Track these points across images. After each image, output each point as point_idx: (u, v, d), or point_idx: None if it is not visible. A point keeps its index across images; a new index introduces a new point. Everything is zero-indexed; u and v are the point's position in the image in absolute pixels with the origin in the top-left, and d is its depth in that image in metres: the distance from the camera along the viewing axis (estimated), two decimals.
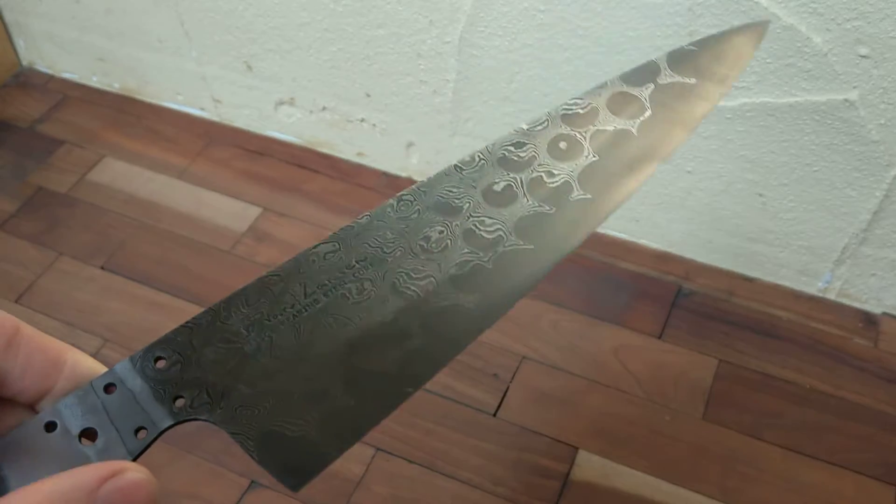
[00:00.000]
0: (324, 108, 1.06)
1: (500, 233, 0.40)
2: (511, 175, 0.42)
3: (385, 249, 0.39)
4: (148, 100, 1.19)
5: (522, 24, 0.84)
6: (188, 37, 1.07)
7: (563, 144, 0.43)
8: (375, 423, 0.37)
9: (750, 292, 0.94)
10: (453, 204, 0.41)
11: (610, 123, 0.44)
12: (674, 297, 0.94)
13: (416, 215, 0.40)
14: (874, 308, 0.92)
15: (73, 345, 0.35)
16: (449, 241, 0.40)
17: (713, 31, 0.77)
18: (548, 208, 0.41)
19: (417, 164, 1.05)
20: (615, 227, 0.99)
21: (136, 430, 0.35)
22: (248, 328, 0.37)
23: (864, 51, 0.73)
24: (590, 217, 0.42)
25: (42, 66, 1.25)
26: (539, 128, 0.43)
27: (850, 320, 0.91)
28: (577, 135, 0.43)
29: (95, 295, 0.95)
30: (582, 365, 0.88)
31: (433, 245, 0.40)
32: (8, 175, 1.10)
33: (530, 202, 0.41)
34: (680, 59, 0.46)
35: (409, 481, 0.79)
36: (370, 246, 0.39)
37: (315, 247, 0.39)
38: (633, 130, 0.44)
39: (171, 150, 1.12)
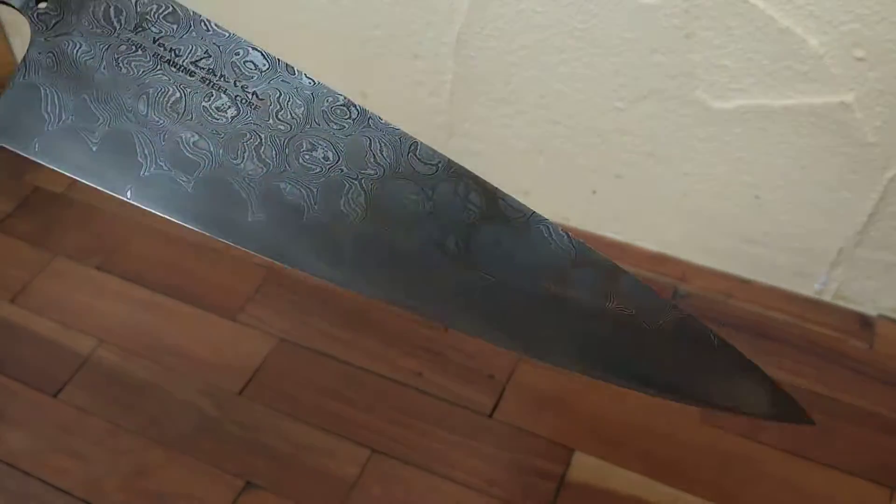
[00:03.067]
0: None
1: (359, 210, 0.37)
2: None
3: (281, 130, 0.37)
4: None
5: (519, 26, 0.84)
6: None
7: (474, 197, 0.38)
8: (109, 189, 0.36)
9: (746, 294, 0.94)
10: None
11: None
12: (670, 299, 0.93)
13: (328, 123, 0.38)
14: (870, 310, 0.92)
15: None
16: (324, 162, 0.37)
17: (709, 32, 0.77)
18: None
19: None
20: (611, 229, 0.99)
21: None
22: (137, 27, 0.36)
23: (860, 53, 0.73)
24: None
25: None
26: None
27: (846, 322, 0.91)
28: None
29: (91, 295, 0.95)
30: None
31: (309, 161, 0.37)
32: (4, 175, 1.10)
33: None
34: (702, 340, 0.40)
35: (404, 483, 0.79)
36: (289, 115, 0.37)
37: (299, 74, 0.38)
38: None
39: None
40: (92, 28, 0.36)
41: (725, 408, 0.39)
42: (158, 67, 0.36)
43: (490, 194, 0.37)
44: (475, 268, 0.36)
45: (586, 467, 0.80)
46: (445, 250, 0.36)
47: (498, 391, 0.86)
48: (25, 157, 1.26)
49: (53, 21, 0.36)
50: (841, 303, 0.93)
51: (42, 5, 0.36)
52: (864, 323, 0.91)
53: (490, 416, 0.84)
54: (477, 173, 0.39)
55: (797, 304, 0.93)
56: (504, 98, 0.91)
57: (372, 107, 1.13)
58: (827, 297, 0.93)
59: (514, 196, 0.38)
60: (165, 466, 0.80)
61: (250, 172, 0.36)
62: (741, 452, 0.81)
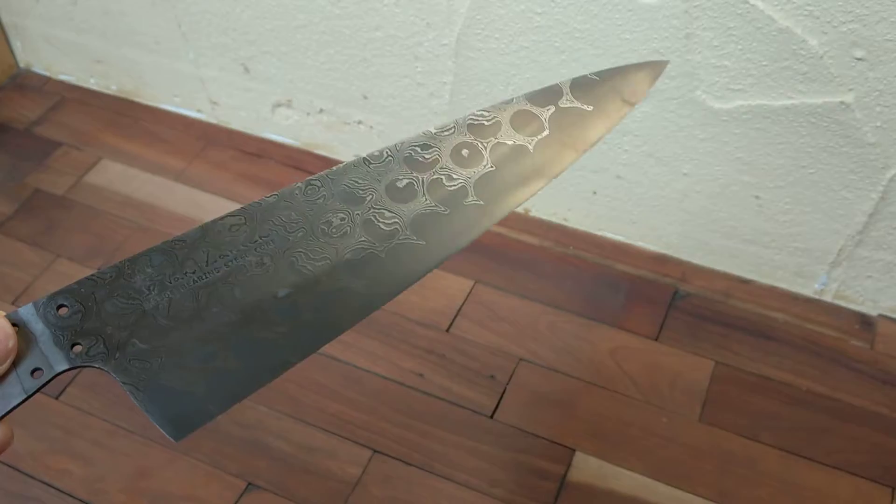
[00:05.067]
0: (321, 111, 1.06)
1: (397, 226, 0.43)
2: (414, 174, 0.45)
3: (288, 229, 0.42)
4: (145, 102, 1.19)
5: (519, 27, 0.84)
6: (185, 39, 1.07)
7: (465, 152, 0.46)
8: (258, 387, 0.40)
9: (746, 294, 0.94)
10: (357, 194, 0.44)
11: (510, 138, 0.47)
12: (670, 299, 0.94)
13: (321, 200, 0.43)
14: (870, 310, 0.92)
15: None
16: (349, 228, 0.43)
17: (709, 33, 0.77)
18: (443, 209, 0.44)
19: None
20: (612, 230, 0.99)
21: (33, 371, 0.36)
22: (149, 287, 0.39)
23: (859, 53, 0.73)
24: (480, 221, 0.45)
25: (39, 68, 1.24)
26: (446, 133, 0.46)
27: (846, 322, 0.92)
28: (480, 144, 0.47)
29: None
30: (579, 367, 0.88)
31: (333, 230, 0.42)
32: (5, 177, 1.10)
33: (428, 201, 0.44)
34: (582, 86, 0.50)
35: (405, 483, 0.79)
36: (274, 223, 0.42)
37: (222, 218, 0.42)
38: (530, 147, 0.47)
39: (169, 152, 1.12)
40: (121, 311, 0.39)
41: None
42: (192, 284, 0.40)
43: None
44: None
45: (587, 468, 0.80)
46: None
47: (499, 392, 0.86)
48: (26, 159, 1.26)
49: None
50: (841, 302, 0.93)
51: (76, 349, 0.38)
52: (865, 323, 0.91)
53: (491, 416, 0.84)
54: None
55: (797, 304, 0.93)
56: (504, 99, 0.91)
57: (372, 108, 1.14)
58: (827, 297, 0.93)
59: None
60: (167, 467, 0.81)
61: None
62: (742, 452, 0.81)
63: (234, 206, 1.18)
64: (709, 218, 0.92)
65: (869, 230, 0.85)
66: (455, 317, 0.92)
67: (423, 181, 0.45)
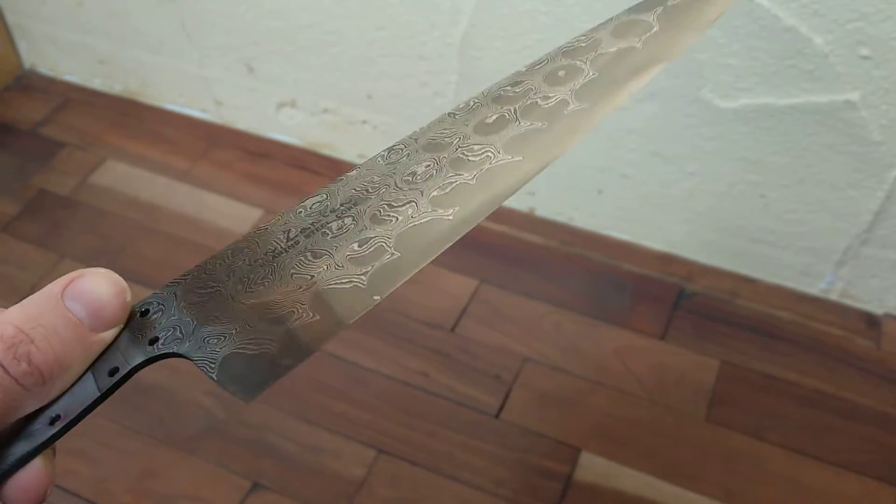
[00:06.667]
0: (325, 110, 1.06)
1: (488, 153, 0.41)
2: (505, 107, 0.42)
3: (370, 189, 0.40)
4: (150, 102, 1.19)
5: (523, 26, 0.84)
6: (190, 39, 1.07)
7: (561, 73, 0.43)
8: (336, 333, 0.37)
9: (752, 293, 0.94)
10: (443, 142, 0.41)
11: (613, 46, 0.43)
12: (676, 299, 0.93)
13: (404, 158, 0.41)
14: (876, 309, 0.92)
15: None
16: (435, 171, 0.40)
17: (714, 31, 0.77)
18: (541, 124, 0.41)
19: None
20: (618, 229, 0.99)
21: (111, 372, 0.36)
22: (228, 275, 0.39)
23: (865, 52, 0.73)
24: (586, 121, 0.41)
25: (44, 69, 1.25)
26: (538, 66, 0.43)
27: (852, 321, 0.91)
28: (578, 63, 0.43)
29: None
30: (584, 366, 0.88)
31: (418, 178, 0.40)
32: (10, 177, 1.10)
33: (522, 124, 0.41)
34: None
35: (411, 483, 0.79)
36: (356, 190, 0.40)
37: (303, 201, 0.41)
38: (639, 45, 0.43)
39: (173, 152, 1.12)
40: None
41: None
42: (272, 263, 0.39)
43: None
44: None
45: (593, 467, 0.80)
46: None
47: (504, 391, 0.86)
48: (30, 160, 1.26)
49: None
50: (847, 301, 0.93)
51: (154, 344, 0.37)
52: (871, 322, 0.91)
53: (496, 416, 0.84)
54: None
55: (803, 303, 0.93)
56: None
57: (377, 108, 1.14)
58: (833, 296, 0.93)
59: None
60: (173, 467, 0.81)
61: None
62: (747, 451, 0.81)
63: (239, 207, 1.18)
64: (715, 217, 0.92)
65: (875, 229, 0.85)
66: (460, 316, 0.92)
67: (515, 110, 0.42)
